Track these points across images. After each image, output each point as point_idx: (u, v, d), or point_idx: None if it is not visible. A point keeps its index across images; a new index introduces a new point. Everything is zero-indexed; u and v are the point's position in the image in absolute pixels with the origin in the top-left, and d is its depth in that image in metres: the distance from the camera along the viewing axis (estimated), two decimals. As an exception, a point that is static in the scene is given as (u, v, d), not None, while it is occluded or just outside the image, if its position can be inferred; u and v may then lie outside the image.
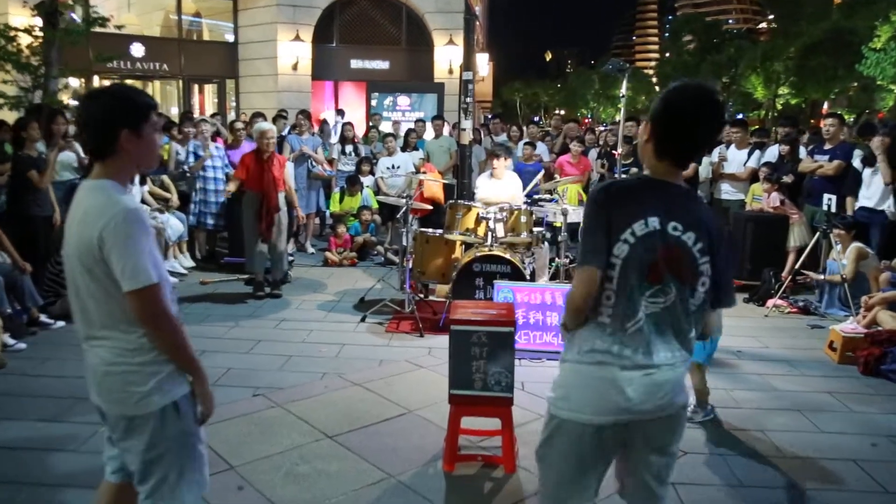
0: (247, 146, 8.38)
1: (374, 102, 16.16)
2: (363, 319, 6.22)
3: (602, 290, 2.04)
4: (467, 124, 9.86)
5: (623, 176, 8.43)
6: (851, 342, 5.42)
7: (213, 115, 13.22)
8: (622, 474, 2.23)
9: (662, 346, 2.05)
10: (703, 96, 2.03)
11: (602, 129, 18.80)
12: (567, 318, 2.12)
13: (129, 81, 16.50)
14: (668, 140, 2.05)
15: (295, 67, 16.13)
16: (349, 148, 10.46)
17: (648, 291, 2.02)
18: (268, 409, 4.27)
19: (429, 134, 11.66)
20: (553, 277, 6.51)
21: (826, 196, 6.97)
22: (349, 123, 11.00)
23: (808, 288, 7.29)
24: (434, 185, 8.81)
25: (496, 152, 6.31)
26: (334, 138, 11.37)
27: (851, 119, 28.76)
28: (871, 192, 7.20)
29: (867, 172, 7.24)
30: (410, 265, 6.34)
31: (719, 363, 5.30)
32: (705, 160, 9.11)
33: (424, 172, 9.06)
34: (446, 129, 10.95)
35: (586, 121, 53.88)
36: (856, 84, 29.22)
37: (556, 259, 6.45)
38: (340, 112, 14.18)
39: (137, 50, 15.59)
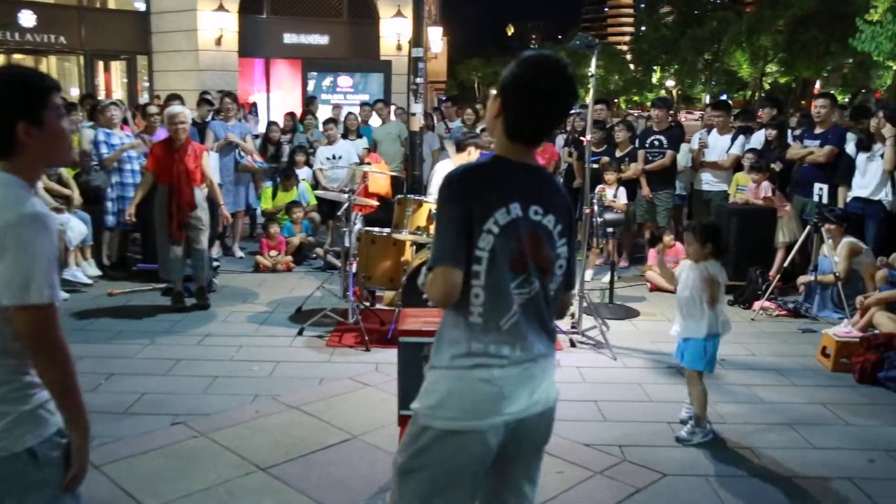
0: (162, 134, 8.28)
1: (311, 84, 16.07)
2: (300, 332, 6.20)
3: (468, 288, 2.12)
4: (418, 108, 9.90)
5: (594, 166, 8.57)
6: (846, 347, 5.60)
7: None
8: (491, 481, 2.27)
9: (535, 337, 2.19)
10: (557, 69, 2.11)
11: (570, 112, 19.06)
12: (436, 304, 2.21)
13: (17, 57, 16.02)
14: (520, 118, 2.14)
15: (219, 42, 15.92)
16: (270, 150, 10.41)
17: (515, 282, 2.14)
18: (189, 440, 4.22)
19: (375, 120, 11.65)
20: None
21: (817, 186, 7.18)
22: (275, 123, 10.94)
23: (797, 288, 7.51)
24: (381, 178, 8.81)
25: (468, 141, 6.28)
26: (259, 127, 11.26)
27: (846, 99, 29.73)
28: (866, 181, 7.45)
29: (862, 159, 7.49)
30: (354, 269, 6.33)
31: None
32: (684, 147, 9.31)
33: (369, 163, 9.05)
34: (394, 114, 10.96)
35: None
36: (851, 61, 30.14)
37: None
38: (253, 106, 13.94)
39: (27, 19, 15.15)
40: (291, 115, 11.51)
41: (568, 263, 2.27)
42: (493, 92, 2.22)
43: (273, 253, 8.77)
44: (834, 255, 6.97)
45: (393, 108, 11.93)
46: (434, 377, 2.19)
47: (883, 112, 7.51)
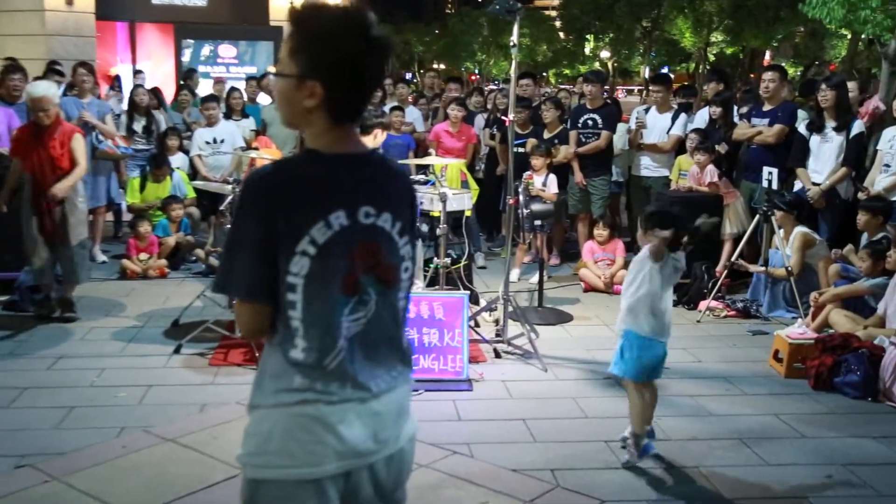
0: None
1: (186, 53, 15.73)
2: (177, 350, 6.10)
3: (286, 319, 2.03)
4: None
5: (520, 150, 8.67)
6: (800, 350, 5.84)
7: None
8: None
9: (376, 369, 2.12)
10: (360, 26, 2.02)
11: (493, 87, 19.22)
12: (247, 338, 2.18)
13: None
14: (347, 95, 2.05)
15: (70, 2, 15.37)
16: (140, 124, 10.05)
17: (346, 308, 2.05)
18: (39, 485, 4.08)
19: (264, 97, 11.50)
20: (431, 283, 6.60)
21: (766, 170, 7.46)
22: (140, 86, 10.63)
23: (748, 285, 7.78)
24: (272, 165, 8.70)
25: (373, 122, 6.22)
26: (122, 105, 10.92)
27: (798, 72, 30.96)
28: (819, 165, 7.78)
29: (815, 141, 7.81)
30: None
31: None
32: (621, 127, 9.52)
33: (257, 148, 8.93)
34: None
35: (473, 78, 54.93)
36: (802, 29, 31.38)
37: (435, 259, 6.55)
38: (116, 80, 13.56)
39: None
40: (154, 91, 11.09)
41: (413, 264, 2.22)
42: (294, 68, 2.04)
43: (143, 256, 8.56)
44: (785, 247, 7.24)
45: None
46: (255, 418, 2.10)
47: (825, 84, 7.84)
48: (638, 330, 4.29)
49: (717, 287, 7.47)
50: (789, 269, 7.06)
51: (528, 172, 8.42)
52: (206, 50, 15.78)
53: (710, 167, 8.20)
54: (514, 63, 6.40)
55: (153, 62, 17.00)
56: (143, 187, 9.35)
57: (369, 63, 2.03)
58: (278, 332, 2.05)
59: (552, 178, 8.54)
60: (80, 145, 6.82)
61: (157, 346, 6.24)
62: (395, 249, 2.13)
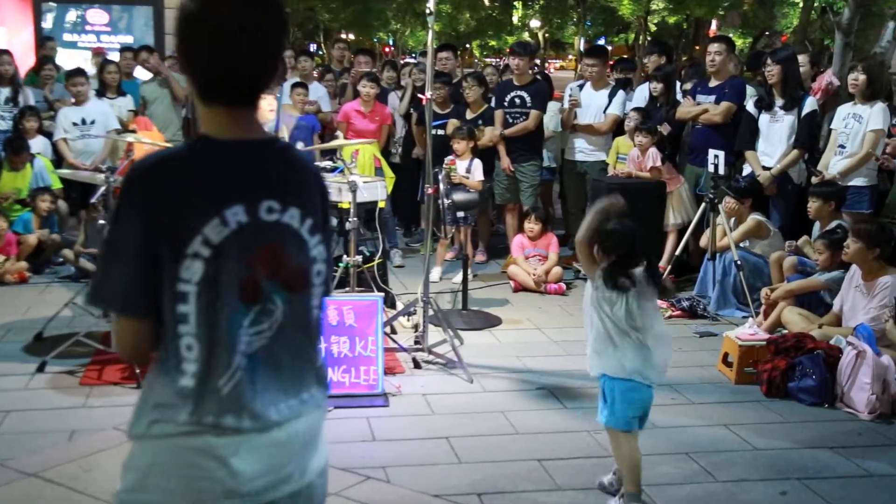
0: None
1: (47, 19, 15.32)
2: (41, 368, 5.98)
3: (175, 337, 1.99)
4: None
5: (439, 132, 8.70)
6: (751, 353, 6.00)
7: None
8: None
9: (281, 392, 2.08)
10: None
11: (410, 61, 19.20)
12: (126, 360, 2.14)
13: None
14: (206, 68, 2.01)
15: None
16: (4, 93, 9.77)
17: (246, 319, 2.01)
18: None
19: (142, 72, 11.28)
20: (340, 285, 6.57)
21: (711, 152, 7.63)
22: (5, 52, 10.30)
23: (694, 281, 7.95)
24: (152, 151, 8.55)
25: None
26: None
27: (747, 44, 31.75)
28: (770, 146, 8.01)
29: (764, 120, 8.03)
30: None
31: (574, 394, 5.65)
32: (552, 106, 9.63)
33: (135, 131, 8.77)
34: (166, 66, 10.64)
35: (387, 50, 54.84)
36: (750, -4, 32.16)
37: (345, 257, 6.53)
38: None
39: None
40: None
41: (327, 266, 2.19)
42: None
43: (-1, 258, 8.35)
44: (731, 236, 7.39)
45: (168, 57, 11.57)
46: (134, 449, 2.08)
47: (771, 58, 8.04)
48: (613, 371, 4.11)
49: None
50: (738, 262, 7.23)
51: (450, 157, 8.47)
52: (71, 15, 15.35)
53: (653, 150, 8.36)
54: (430, 33, 6.42)
55: (8, 29, 16.51)
56: (-3, 177, 9.09)
57: (242, 30, 1.97)
58: (165, 353, 2.01)
59: (477, 163, 8.60)
60: None
61: (17, 364, 6.09)
62: (305, 250, 2.10)
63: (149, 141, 8.28)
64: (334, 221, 6.50)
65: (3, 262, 8.33)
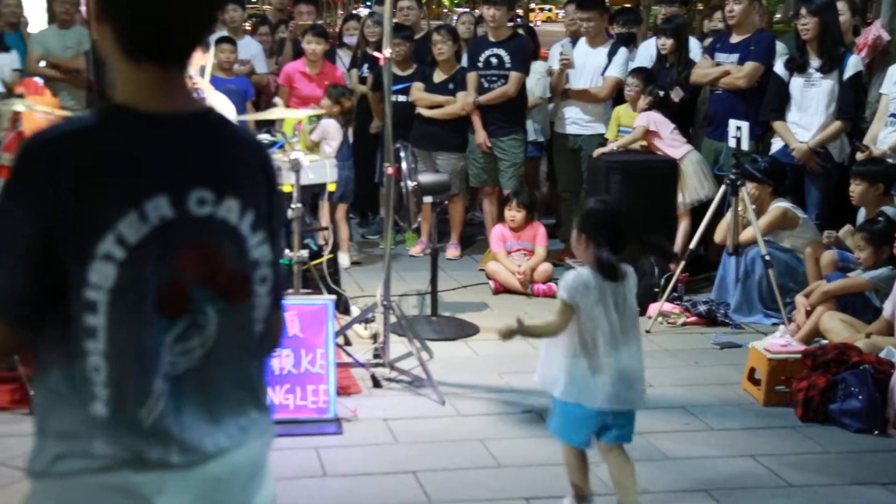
0: None
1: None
2: None
3: (81, 355, 1.94)
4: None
5: (400, 98, 8.68)
6: (783, 368, 5.99)
7: None
8: None
9: (215, 420, 2.08)
10: None
11: (365, 8, 19.08)
12: None
13: None
14: (135, 13, 1.97)
15: None
16: None
17: (170, 336, 1.99)
18: None
19: (35, 21, 11.16)
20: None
21: (733, 123, 7.59)
22: None
23: (712, 280, 7.97)
24: (46, 122, 8.45)
25: None
26: None
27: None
28: (804, 116, 7.98)
29: (797, 84, 8.03)
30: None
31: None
32: (537, 67, 9.58)
33: (23, 96, 8.67)
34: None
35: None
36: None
37: (287, 251, 6.50)
38: None
39: None
40: None
41: (274, 271, 2.16)
42: None
43: None
44: (758, 227, 7.30)
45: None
46: (36, 489, 2.06)
47: (805, 7, 7.94)
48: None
49: (672, 284, 7.59)
50: (766, 257, 7.21)
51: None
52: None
53: (653, 114, 8.34)
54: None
55: None
56: None
57: None
58: (68, 373, 1.96)
59: (327, 126, 8.59)
60: None
61: None
62: (245, 251, 2.07)
63: (42, 108, 8.22)
64: (298, 208, 6.40)
65: None
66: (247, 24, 11.81)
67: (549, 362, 4.49)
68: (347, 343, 6.59)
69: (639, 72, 8.76)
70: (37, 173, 1.90)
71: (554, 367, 4.42)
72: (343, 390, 5.85)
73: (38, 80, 9.47)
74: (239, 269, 2.07)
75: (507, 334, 4.39)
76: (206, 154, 2.04)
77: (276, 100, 8.73)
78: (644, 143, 8.48)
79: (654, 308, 7.55)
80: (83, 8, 10.53)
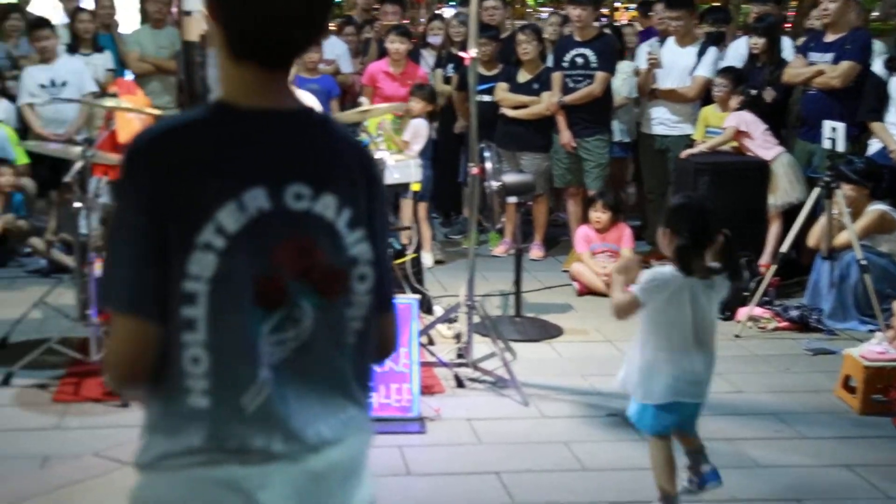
0: None
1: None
2: (6, 381, 6.06)
3: (179, 348, 1.98)
4: (196, 3, 9.68)
5: (486, 98, 8.70)
6: (880, 376, 5.88)
7: None
8: None
9: (316, 411, 2.09)
10: None
11: (449, 8, 19.13)
12: (115, 382, 2.13)
13: None
14: (244, 15, 2.01)
15: None
16: None
17: (265, 326, 2.02)
18: None
19: (128, 21, 11.35)
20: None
21: (827, 124, 7.48)
22: None
23: (804, 285, 7.86)
24: (138, 121, 8.61)
25: None
26: None
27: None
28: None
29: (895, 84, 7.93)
30: (99, 273, 6.18)
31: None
32: (624, 67, 9.55)
33: (116, 95, 8.82)
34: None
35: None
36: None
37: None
38: None
39: None
40: None
41: (378, 270, 2.17)
42: None
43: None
44: (854, 231, 7.22)
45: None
46: (142, 481, 2.09)
47: None
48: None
49: (762, 287, 7.52)
50: (862, 262, 7.11)
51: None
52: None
53: (744, 114, 8.26)
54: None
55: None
56: (-50, 149, 9.22)
57: None
58: (165, 368, 1.99)
59: (417, 126, 8.63)
60: None
61: (-23, 376, 6.18)
62: (341, 247, 2.08)
63: (134, 107, 8.36)
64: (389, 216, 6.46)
65: (-41, 252, 8.46)
66: (333, 24, 11.88)
67: (630, 360, 4.49)
68: (431, 342, 6.63)
69: (728, 71, 8.69)
70: (142, 167, 1.96)
71: (631, 364, 4.44)
72: (426, 389, 5.89)
73: (131, 79, 9.66)
74: (335, 265, 2.08)
75: (624, 269, 4.43)
76: (305, 150, 2.07)
77: (363, 99, 8.80)
78: (734, 144, 8.38)
79: (743, 312, 7.47)
80: (174, 9, 10.67)
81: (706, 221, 4.30)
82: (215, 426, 2.00)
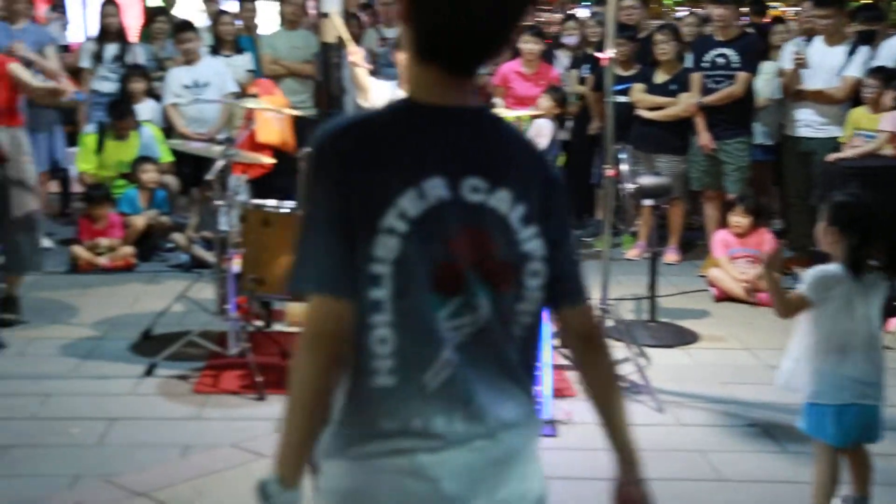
0: None
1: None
2: (150, 371, 6.18)
3: (365, 329, 2.05)
4: (334, 5, 9.76)
5: (622, 99, 8.63)
6: None
7: None
8: None
9: (492, 397, 2.12)
10: None
11: (582, 9, 19.02)
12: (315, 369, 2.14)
13: None
14: (436, 21, 2.04)
15: None
16: (111, 49, 10.20)
17: (444, 311, 2.07)
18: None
19: (269, 23, 11.53)
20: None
21: None
22: (112, 2, 10.73)
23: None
24: (276, 121, 8.76)
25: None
26: (65, 33, 11.00)
27: None
28: None
29: None
30: (237, 269, 6.29)
31: (798, 435, 5.46)
32: (768, 67, 9.38)
33: (256, 95, 8.96)
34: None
35: (555, -1, 54.55)
36: None
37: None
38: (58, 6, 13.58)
39: None
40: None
41: (554, 265, 2.18)
42: None
43: (102, 241, 8.68)
44: None
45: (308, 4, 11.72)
46: (329, 471, 2.14)
47: None
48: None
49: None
50: None
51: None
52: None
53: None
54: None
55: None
56: (100, 147, 9.45)
57: None
58: (355, 350, 2.06)
59: (541, 126, 8.51)
60: (21, 72, 6.92)
61: (123, 366, 6.30)
62: (514, 242, 2.11)
63: (272, 107, 8.51)
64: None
65: (107, 246, 8.66)
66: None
67: (794, 359, 4.39)
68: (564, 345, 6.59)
69: (878, 71, 8.42)
70: (328, 159, 2.07)
71: (796, 362, 4.35)
72: (558, 392, 5.86)
73: (270, 80, 9.83)
74: (507, 258, 2.12)
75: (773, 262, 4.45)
76: (481, 146, 2.12)
77: (496, 100, 8.80)
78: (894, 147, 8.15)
79: (894, 323, 7.26)
80: (312, 11, 10.83)
81: (875, 220, 4.27)
82: (400, 405, 2.06)
